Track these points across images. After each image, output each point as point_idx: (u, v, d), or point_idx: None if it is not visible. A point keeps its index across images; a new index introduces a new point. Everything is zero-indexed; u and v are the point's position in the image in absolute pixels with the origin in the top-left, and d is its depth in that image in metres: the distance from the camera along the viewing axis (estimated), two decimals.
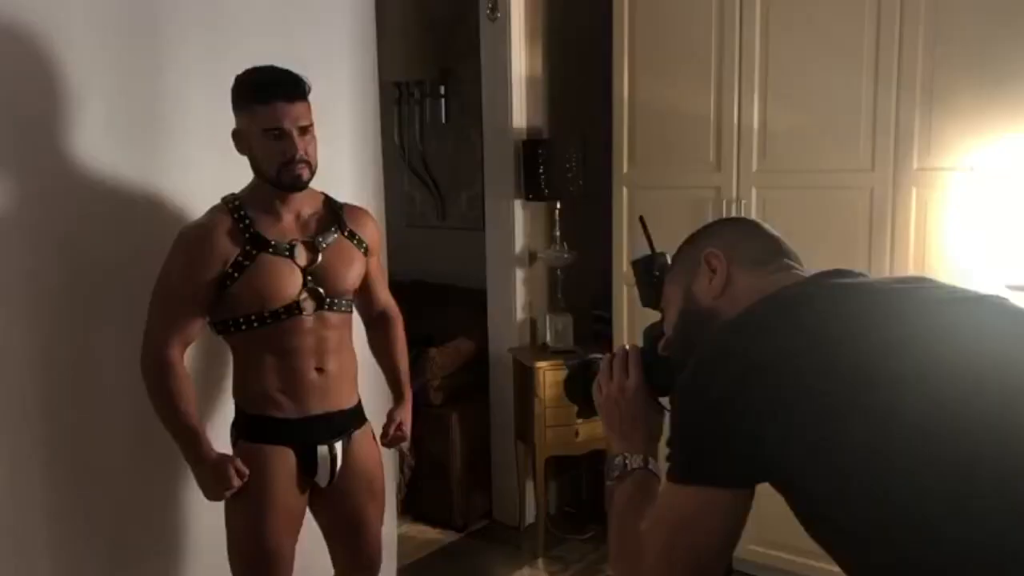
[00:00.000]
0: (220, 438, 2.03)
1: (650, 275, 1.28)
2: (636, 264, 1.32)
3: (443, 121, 4.23)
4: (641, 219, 1.44)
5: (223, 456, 1.92)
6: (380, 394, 2.32)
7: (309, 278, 1.94)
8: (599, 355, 1.32)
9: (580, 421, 1.35)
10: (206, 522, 2.10)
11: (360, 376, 2.14)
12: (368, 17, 2.57)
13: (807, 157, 2.78)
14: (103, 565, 2.01)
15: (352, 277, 2.04)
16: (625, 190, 3.17)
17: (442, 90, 4.19)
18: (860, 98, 2.63)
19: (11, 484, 1.83)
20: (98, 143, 1.92)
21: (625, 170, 3.17)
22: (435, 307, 4.08)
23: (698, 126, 2.96)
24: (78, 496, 1.95)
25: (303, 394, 1.96)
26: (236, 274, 1.87)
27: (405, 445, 2.25)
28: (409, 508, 3.57)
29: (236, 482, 1.90)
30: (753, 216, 2.88)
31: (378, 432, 2.19)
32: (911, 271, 2.60)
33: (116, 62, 1.93)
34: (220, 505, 1.97)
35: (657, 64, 3.05)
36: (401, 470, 3.48)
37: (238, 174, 1.96)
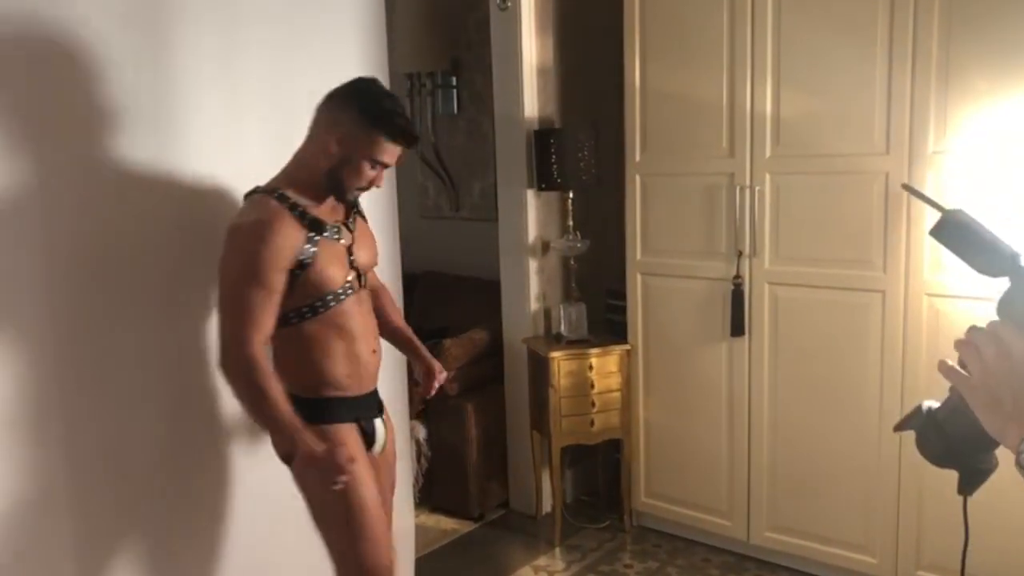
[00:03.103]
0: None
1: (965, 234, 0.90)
2: (939, 233, 0.94)
3: (455, 112, 4.23)
4: (904, 186, 0.99)
5: (329, 443, 1.88)
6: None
7: (352, 258, 1.99)
8: (928, 401, 0.96)
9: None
10: (237, 513, 2.12)
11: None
12: (378, 8, 2.57)
13: (821, 142, 2.76)
14: (128, 562, 2.01)
15: (374, 253, 2.11)
16: (638, 178, 3.16)
17: (453, 81, 4.19)
18: (874, 81, 2.61)
19: (34, 482, 1.82)
20: (112, 134, 1.91)
21: (638, 158, 3.16)
22: (449, 298, 4.09)
23: (711, 113, 2.95)
24: (102, 494, 1.94)
25: (364, 374, 2.02)
26: (307, 260, 1.88)
27: (443, 377, 2.25)
28: (425, 499, 3.58)
29: (348, 465, 1.84)
30: (767, 202, 2.86)
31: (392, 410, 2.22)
32: (929, 255, 2.58)
33: (126, 53, 1.92)
34: (241, 500, 1.95)
35: (669, 50, 3.04)
36: (418, 460, 3.49)
37: (252, 161, 1.97)
